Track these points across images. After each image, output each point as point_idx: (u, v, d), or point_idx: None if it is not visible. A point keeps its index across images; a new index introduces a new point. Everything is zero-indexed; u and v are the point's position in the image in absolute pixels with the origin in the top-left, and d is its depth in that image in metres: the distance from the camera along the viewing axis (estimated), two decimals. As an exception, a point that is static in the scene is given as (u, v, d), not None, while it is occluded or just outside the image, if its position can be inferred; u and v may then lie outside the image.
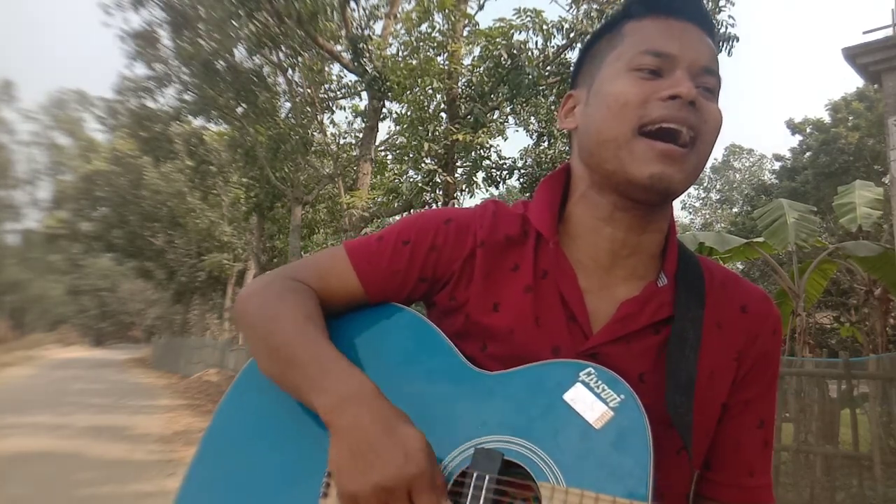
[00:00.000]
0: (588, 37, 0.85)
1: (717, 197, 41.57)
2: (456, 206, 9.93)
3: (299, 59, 12.43)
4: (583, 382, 0.69)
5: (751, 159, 41.71)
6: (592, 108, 0.79)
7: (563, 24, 9.59)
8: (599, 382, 0.68)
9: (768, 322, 0.82)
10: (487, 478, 0.67)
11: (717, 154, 47.14)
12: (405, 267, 0.84)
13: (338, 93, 14.74)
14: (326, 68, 13.65)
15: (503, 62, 9.33)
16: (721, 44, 9.08)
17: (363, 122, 13.47)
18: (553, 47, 9.82)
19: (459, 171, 10.87)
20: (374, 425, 0.67)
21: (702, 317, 0.78)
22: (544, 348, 0.77)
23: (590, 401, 0.68)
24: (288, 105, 13.87)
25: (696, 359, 0.76)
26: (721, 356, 0.79)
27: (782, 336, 0.85)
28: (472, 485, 0.67)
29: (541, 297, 0.80)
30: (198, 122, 16.81)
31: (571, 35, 9.67)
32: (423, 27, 9.71)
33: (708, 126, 0.75)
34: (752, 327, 0.81)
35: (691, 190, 43.16)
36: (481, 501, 0.66)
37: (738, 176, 41.32)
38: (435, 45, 9.68)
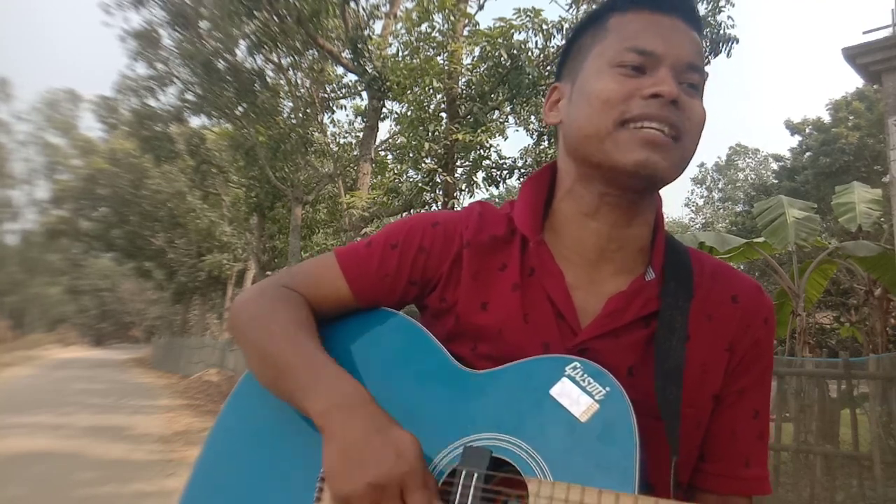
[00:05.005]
0: (573, 29, 0.85)
1: (720, 196, 41.58)
2: (456, 206, 9.94)
3: (300, 59, 12.42)
4: (569, 377, 0.69)
5: (756, 159, 41.79)
6: (575, 104, 0.79)
7: (563, 24, 9.57)
8: (585, 376, 0.68)
9: (760, 311, 0.82)
10: (476, 475, 0.67)
11: (721, 153, 47.06)
12: (394, 271, 0.85)
13: (338, 92, 14.74)
14: (328, 68, 13.65)
15: (503, 62, 9.32)
16: (721, 45, 9.07)
17: (363, 121, 13.47)
18: (553, 47, 9.79)
19: (459, 171, 10.85)
20: (365, 428, 0.68)
21: (689, 309, 0.78)
22: (534, 346, 0.77)
23: (576, 395, 0.68)
24: (289, 105, 13.87)
25: (684, 349, 0.76)
26: (712, 347, 0.79)
27: (775, 326, 0.85)
28: (460, 483, 0.67)
29: (528, 295, 0.80)
30: (199, 121, 16.84)
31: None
32: (424, 27, 9.70)
33: (691, 123, 0.75)
34: (744, 317, 0.81)
35: (694, 188, 43.33)
36: (469, 499, 0.66)
37: (741, 175, 41.37)
38: (435, 44, 9.67)
